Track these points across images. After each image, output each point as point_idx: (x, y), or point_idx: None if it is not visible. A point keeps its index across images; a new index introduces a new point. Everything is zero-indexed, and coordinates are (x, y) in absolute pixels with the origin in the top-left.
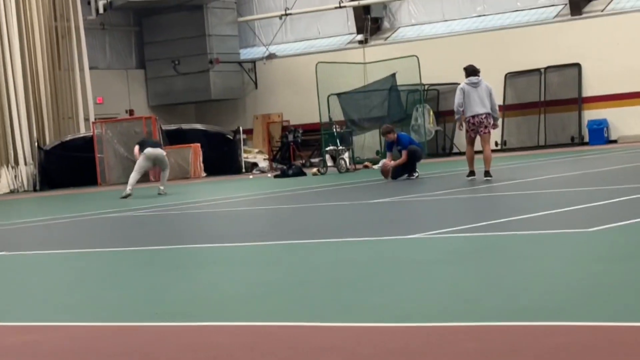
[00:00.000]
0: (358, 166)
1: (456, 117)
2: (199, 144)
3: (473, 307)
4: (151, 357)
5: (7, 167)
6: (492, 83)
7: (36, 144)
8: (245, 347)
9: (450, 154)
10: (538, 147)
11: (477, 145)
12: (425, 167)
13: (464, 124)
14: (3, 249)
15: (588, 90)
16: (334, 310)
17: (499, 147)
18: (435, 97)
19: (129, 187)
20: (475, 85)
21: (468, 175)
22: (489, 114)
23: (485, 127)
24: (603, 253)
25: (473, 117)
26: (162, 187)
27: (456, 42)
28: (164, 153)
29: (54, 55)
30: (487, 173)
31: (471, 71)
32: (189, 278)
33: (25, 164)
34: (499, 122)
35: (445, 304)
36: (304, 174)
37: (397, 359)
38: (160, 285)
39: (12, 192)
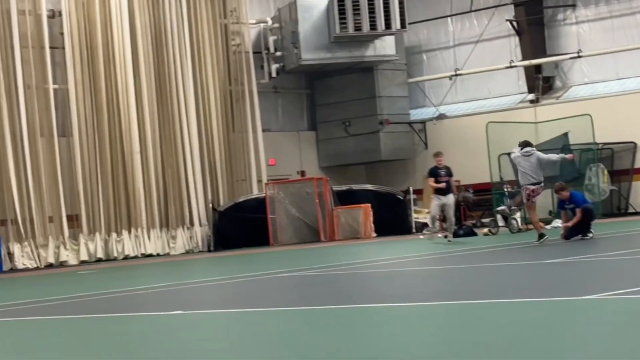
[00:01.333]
0: (530, 226)
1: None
2: (369, 205)
3: None
4: None
5: (183, 228)
6: None
7: (210, 205)
8: None
9: (626, 213)
10: None
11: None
12: (600, 227)
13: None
14: (179, 308)
15: None
16: None
17: None
18: (609, 156)
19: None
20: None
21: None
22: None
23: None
24: None
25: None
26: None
27: (631, 100)
28: None
29: (228, 118)
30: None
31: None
32: (365, 338)
33: (200, 225)
34: None
35: None
36: (475, 234)
37: None
38: (336, 345)
39: (187, 252)
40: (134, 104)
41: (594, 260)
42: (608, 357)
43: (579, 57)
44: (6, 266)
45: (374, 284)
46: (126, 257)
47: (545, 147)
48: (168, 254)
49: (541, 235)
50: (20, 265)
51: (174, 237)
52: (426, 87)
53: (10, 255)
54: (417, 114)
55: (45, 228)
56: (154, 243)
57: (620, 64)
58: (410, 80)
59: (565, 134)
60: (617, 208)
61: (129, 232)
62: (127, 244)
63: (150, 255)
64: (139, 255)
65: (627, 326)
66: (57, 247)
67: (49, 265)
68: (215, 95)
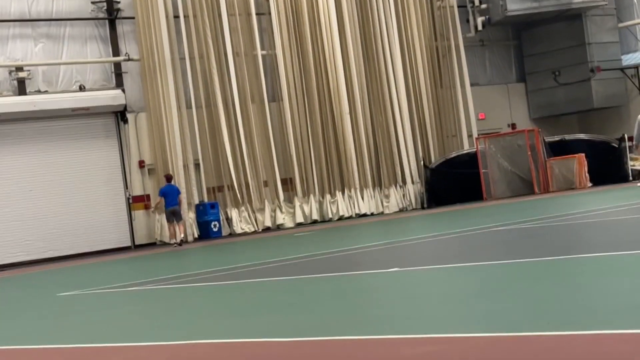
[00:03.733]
0: None
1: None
2: (583, 154)
3: None
4: None
5: (396, 186)
6: None
7: (422, 162)
8: None
9: None
10: None
11: None
12: None
13: None
14: (396, 265)
15: None
16: None
17: None
18: None
19: None
20: None
21: None
22: None
23: None
24: None
25: None
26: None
27: None
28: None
29: (436, 74)
30: None
31: None
32: (580, 288)
33: (413, 182)
34: None
35: None
36: None
37: None
38: (551, 295)
39: (401, 210)
40: (341, 66)
41: None
42: None
43: None
44: (225, 231)
45: (589, 234)
46: (341, 218)
47: None
48: (382, 213)
49: None
50: (238, 230)
51: (387, 196)
52: (638, 30)
53: (229, 220)
54: (629, 59)
55: (260, 192)
56: (367, 203)
57: None
58: (621, 24)
59: None
60: None
61: (342, 192)
62: (341, 205)
63: (364, 215)
64: (354, 216)
65: None
66: (273, 211)
67: (266, 229)
68: (422, 52)
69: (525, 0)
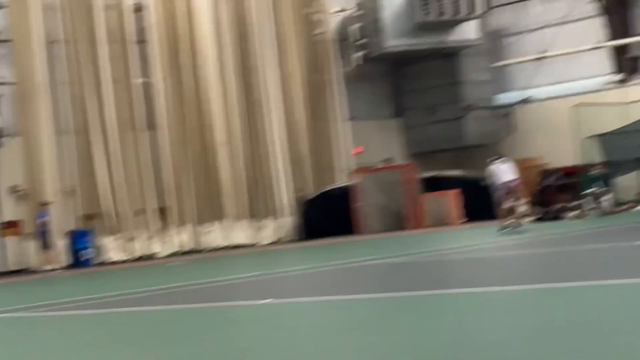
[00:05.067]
0: (621, 208)
1: None
2: (457, 190)
3: None
4: None
5: (271, 218)
6: None
7: (297, 194)
8: None
9: None
10: None
11: None
12: None
13: None
14: (270, 297)
15: None
16: (593, 355)
17: None
18: None
19: None
20: None
21: None
22: None
23: None
24: None
25: None
26: None
27: None
28: None
29: (313, 107)
30: None
31: None
32: (447, 324)
33: (288, 214)
34: None
35: None
36: (564, 218)
37: None
38: (416, 331)
39: (275, 242)
40: (219, 96)
41: None
42: None
43: None
44: (98, 259)
45: (457, 270)
46: (216, 248)
47: (636, 127)
48: (257, 244)
49: None
50: (111, 258)
51: (262, 227)
52: (511, 71)
53: (101, 248)
54: (502, 99)
55: (135, 221)
56: (242, 233)
57: None
58: (495, 64)
59: None
60: None
61: (218, 223)
62: (216, 235)
63: (239, 246)
64: (229, 246)
65: None
66: (148, 240)
67: (139, 258)
68: (300, 85)
69: (403, 37)
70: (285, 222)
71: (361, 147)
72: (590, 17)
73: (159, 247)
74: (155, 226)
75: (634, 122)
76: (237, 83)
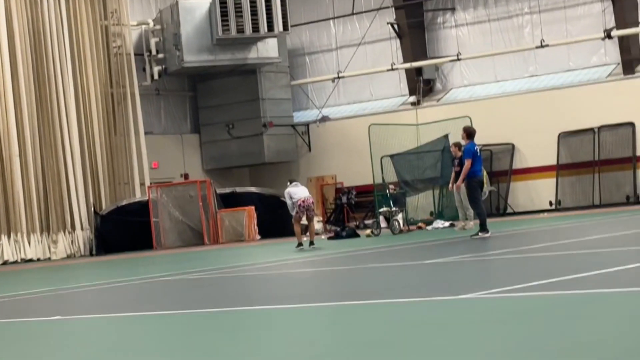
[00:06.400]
0: (412, 227)
1: None
2: (253, 207)
3: None
4: None
5: (65, 232)
6: (546, 142)
7: (92, 209)
8: None
9: (505, 214)
10: (593, 206)
11: None
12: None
13: None
14: (58, 313)
15: None
16: None
17: (553, 207)
18: (488, 157)
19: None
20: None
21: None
22: None
23: None
24: None
25: None
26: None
27: (509, 102)
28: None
29: (110, 120)
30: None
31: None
32: (244, 340)
33: (82, 228)
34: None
35: None
36: (358, 236)
37: None
38: (215, 348)
39: (68, 257)
40: (12, 107)
41: (472, 260)
42: (480, 354)
43: (459, 59)
44: None
45: (253, 287)
46: (5, 262)
47: (426, 149)
48: (49, 259)
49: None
50: None
51: (55, 242)
52: (309, 89)
53: None
54: (300, 117)
55: None
56: (34, 248)
57: (499, 67)
58: (293, 82)
59: (446, 136)
60: (496, 209)
61: (8, 236)
62: (6, 249)
63: (30, 260)
64: (19, 261)
65: (501, 324)
66: None
67: None
68: (97, 97)
69: (201, 53)
70: (80, 236)
71: (155, 163)
72: (388, 39)
73: None
74: None
75: (425, 144)
76: (32, 94)
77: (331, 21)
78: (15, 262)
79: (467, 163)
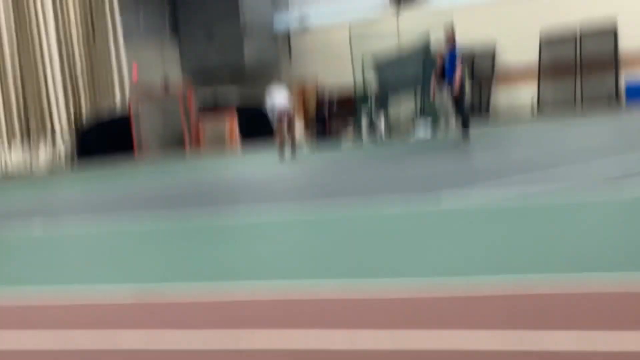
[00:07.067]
0: (394, 135)
1: None
2: (234, 113)
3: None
4: None
5: (46, 142)
6: (527, 47)
7: (72, 116)
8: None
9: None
10: (575, 109)
11: None
12: None
13: None
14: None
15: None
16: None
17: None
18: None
19: None
20: None
21: None
22: None
23: None
24: None
25: None
26: None
27: (494, 4)
28: None
29: (89, 25)
30: None
31: None
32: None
33: (63, 139)
34: None
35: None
36: (341, 144)
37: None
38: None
39: (49, 168)
40: None
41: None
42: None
43: None
44: None
45: (226, 192)
46: None
47: (407, 54)
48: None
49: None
50: None
51: (35, 152)
52: None
53: None
54: (280, 22)
55: None
56: (14, 157)
57: None
58: None
59: (427, 42)
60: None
61: None
62: None
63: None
64: None
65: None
66: None
67: None
68: (74, 3)
69: None
70: (60, 147)
71: (135, 67)
72: None
73: None
74: None
75: (407, 50)
76: (9, 7)
77: None
78: None
79: (459, 70)
